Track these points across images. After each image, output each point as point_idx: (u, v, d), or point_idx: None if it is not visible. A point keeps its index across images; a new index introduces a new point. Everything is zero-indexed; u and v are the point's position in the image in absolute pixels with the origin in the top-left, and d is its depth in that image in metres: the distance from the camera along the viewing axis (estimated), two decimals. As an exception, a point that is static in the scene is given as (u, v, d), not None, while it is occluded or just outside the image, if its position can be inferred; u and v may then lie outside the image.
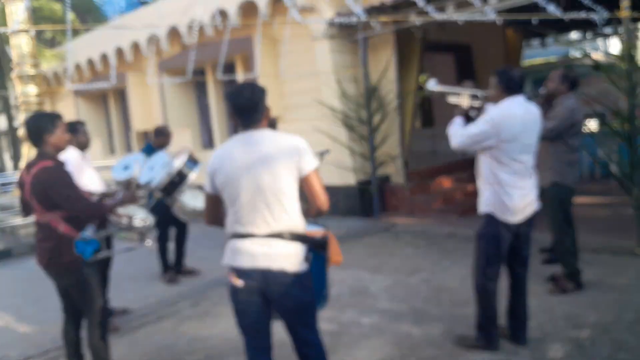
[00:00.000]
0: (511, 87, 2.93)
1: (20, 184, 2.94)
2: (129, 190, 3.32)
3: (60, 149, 2.93)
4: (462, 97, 3.14)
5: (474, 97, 3.14)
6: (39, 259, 2.93)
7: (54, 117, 2.92)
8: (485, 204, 3.00)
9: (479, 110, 3.07)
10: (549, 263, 4.48)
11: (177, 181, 3.40)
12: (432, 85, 3.25)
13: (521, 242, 3.06)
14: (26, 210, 3.06)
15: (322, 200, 2.16)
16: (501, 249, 2.98)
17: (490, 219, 2.97)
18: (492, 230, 2.97)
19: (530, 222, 3.04)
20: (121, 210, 3.66)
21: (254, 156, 2.10)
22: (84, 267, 2.87)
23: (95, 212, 2.85)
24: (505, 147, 2.86)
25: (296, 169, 2.11)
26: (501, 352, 3.01)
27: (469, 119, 3.08)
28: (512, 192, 2.90)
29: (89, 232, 2.83)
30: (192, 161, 3.48)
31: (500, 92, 2.95)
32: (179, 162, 3.42)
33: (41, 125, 2.83)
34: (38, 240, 2.92)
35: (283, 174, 2.09)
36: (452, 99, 3.20)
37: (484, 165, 2.99)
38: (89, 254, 2.84)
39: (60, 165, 2.87)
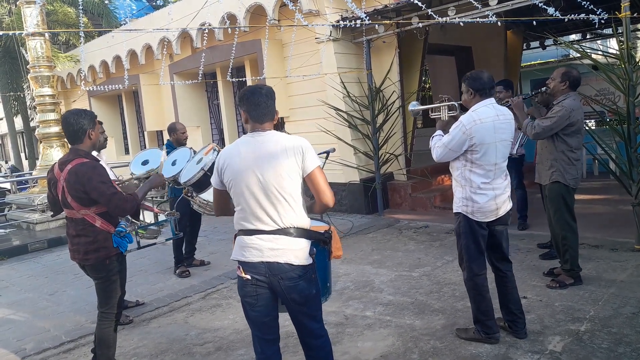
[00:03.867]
0: (481, 90, 2.94)
1: (51, 182, 2.93)
2: (157, 174, 3.30)
3: (95, 147, 2.94)
4: (441, 111, 3.21)
5: (451, 108, 3.20)
6: (73, 255, 2.93)
7: (92, 115, 2.91)
8: (457, 205, 3.04)
9: (456, 118, 3.09)
10: (548, 258, 4.53)
11: (209, 176, 3.46)
12: (413, 105, 3.41)
13: (498, 240, 3.09)
14: (55, 208, 3.05)
15: (328, 196, 2.20)
16: (480, 243, 3.01)
17: (463, 217, 3.01)
18: (467, 228, 3.00)
19: (505, 221, 3.07)
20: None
21: (260, 155, 2.15)
22: (117, 260, 2.92)
23: (130, 205, 2.85)
24: (478, 150, 2.87)
25: (300, 167, 2.17)
26: (501, 344, 3.04)
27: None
28: (483, 193, 2.93)
29: (123, 227, 2.91)
30: None
31: (471, 96, 2.98)
32: (211, 158, 3.48)
33: (80, 122, 2.83)
34: (72, 236, 2.91)
35: (287, 172, 2.14)
36: (433, 115, 3.28)
37: (456, 168, 3.02)
38: (126, 247, 2.93)
39: (96, 162, 2.88)
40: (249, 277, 2.19)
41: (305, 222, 2.23)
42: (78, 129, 2.83)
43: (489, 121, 2.88)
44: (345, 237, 6.09)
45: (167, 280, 5.08)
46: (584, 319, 3.30)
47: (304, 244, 2.20)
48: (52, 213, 3.20)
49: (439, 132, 3.16)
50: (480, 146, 2.87)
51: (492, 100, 2.98)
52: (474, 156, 2.91)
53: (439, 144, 3.03)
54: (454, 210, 3.08)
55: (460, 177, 3.00)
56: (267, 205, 2.15)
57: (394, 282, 4.37)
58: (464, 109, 3.10)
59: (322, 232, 2.36)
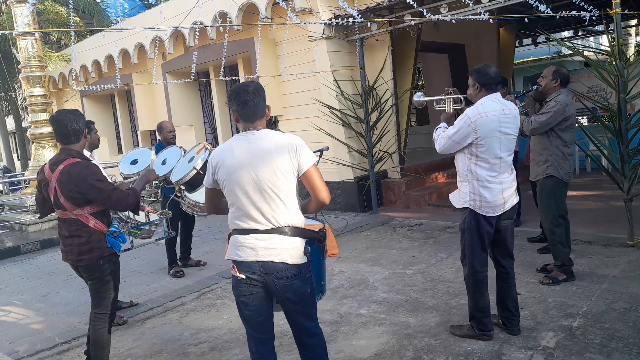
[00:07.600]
0: (487, 84, 2.95)
1: (42, 183, 2.90)
2: (148, 170, 3.25)
3: (90, 146, 2.97)
4: (446, 103, 3.22)
5: (457, 101, 3.22)
6: (66, 256, 2.92)
7: (82, 116, 2.91)
8: (463, 199, 3.03)
9: (460, 112, 3.09)
10: (546, 252, 4.52)
11: (202, 175, 3.43)
12: (418, 96, 3.40)
13: (503, 236, 3.09)
14: (44, 209, 3.03)
15: (324, 193, 2.21)
16: (484, 240, 3.02)
17: (470, 212, 3.01)
18: (473, 223, 3.00)
19: (511, 215, 3.07)
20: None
21: (255, 154, 2.14)
22: (111, 260, 2.91)
23: (132, 199, 2.84)
24: (483, 144, 2.87)
25: (295, 166, 2.17)
26: (495, 340, 3.05)
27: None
28: (490, 187, 2.93)
29: (116, 227, 2.89)
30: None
31: (477, 90, 2.99)
32: (203, 157, 3.45)
33: (70, 123, 2.83)
34: (65, 237, 2.89)
35: (282, 171, 2.13)
36: (437, 107, 3.29)
37: (461, 162, 3.02)
38: (119, 247, 2.91)
39: (88, 161, 2.86)
40: (243, 276, 2.18)
41: (299, 220, 2.22)
42: (78, 128, 2.84)
43: (495, 115, 2.88)
44: (339, 235, 6.09)
45: (161, 280, 5.06)
46: (576, 314, 3.32)
47: (299, 243, 2.20)
48: (39, 215, 3.17)
49: (443, 124, 3.16)
50: (484, 139, 2.87)
51: (498, 95, 2.98)
52: (479, 150, 2.91)
53: (442, 135, 3.04)
54: (461, 206, 3.06)
55: (466, 170, 2.99)
56: (262, 205, 2.14)
57: (388, 279, 4.38)
58: (469, 102, 3.10)
59: (317, 230, 2.36)
